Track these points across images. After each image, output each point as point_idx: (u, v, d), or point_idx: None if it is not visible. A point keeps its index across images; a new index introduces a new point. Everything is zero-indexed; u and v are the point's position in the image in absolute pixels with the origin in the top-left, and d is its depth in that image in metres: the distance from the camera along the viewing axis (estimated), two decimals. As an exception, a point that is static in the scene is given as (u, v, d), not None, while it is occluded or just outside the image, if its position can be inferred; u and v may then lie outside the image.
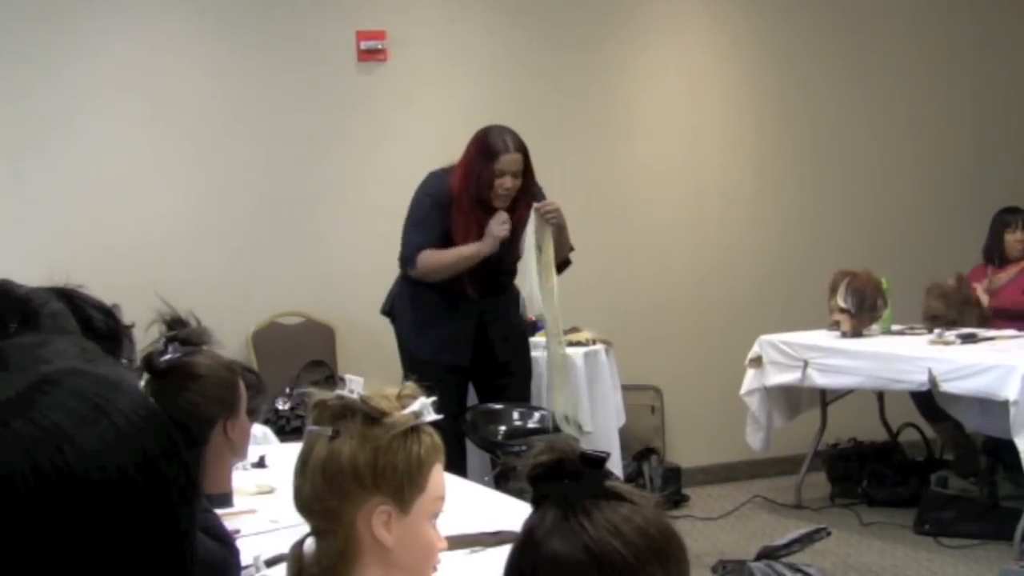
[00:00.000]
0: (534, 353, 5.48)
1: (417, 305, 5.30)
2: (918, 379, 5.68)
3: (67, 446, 0.96)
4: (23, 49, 5.93)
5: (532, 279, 5.14)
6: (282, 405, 5.89)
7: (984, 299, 6.52)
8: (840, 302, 6.28)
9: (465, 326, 5.24)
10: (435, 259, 5.19)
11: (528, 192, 5.17)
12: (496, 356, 5.27)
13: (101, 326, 1.90)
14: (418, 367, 4.89)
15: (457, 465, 4.88)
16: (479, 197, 5.13)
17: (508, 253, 5.19)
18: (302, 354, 6.21)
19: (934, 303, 6.39)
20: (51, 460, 0.95)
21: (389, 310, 5.46)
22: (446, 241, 5.18)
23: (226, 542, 2.36)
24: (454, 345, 5.23)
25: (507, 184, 5.09)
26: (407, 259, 5.26)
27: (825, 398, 6.59)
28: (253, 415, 2.93)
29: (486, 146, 5.12)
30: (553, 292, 5.19)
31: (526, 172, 5.16)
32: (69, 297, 1.91)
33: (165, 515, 1.01)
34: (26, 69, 5.94)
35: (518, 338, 5.40)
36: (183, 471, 1.03)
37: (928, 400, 6.04)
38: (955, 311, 6.33)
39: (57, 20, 5.97)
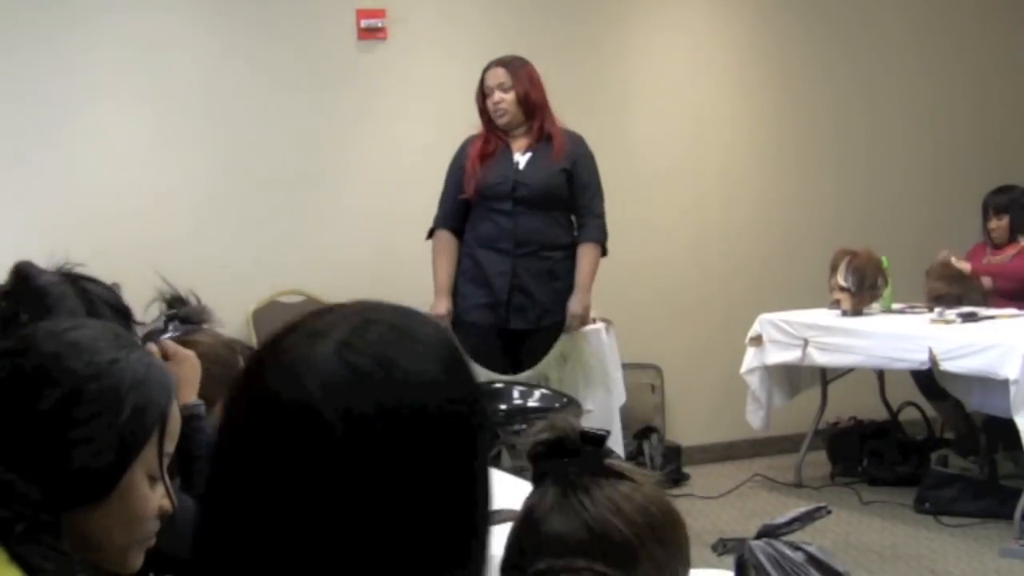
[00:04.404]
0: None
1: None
2: (918, 358, 5.68)
3: (401, 376, 1.01)
4: (22, 27, 5.91)
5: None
6: (283, 384, 5.88)
7: (986, 282, 6.52)
8: (841, 281, 6.28)
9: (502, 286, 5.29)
10: (435, 251, 5.43)
11: (541, 108, 5.30)
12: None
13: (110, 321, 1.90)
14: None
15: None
16: (489, 120, 5.33)
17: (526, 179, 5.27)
18: (303, 333, 6.19)
19: (936, 284, 6.38)
20: (391, 392, 1.00)
21: None
22: (465, 202, 5.34)
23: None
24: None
25: (495, 99, 5.29)
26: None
27: (825, 377, 6.59)
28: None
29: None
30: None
31: (530, 87, 5.28)
32: (85, 293, 1.90)
33: (471, 442, 1.05)
34: (25, 48, 5.92)
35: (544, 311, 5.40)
36: (480, 396, 1.09)
37: (929, 379, 6.04)
38: (957, 288, 6.33)
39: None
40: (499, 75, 5.29)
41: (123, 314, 1.96)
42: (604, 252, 5.41)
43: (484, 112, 5.34)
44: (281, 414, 0.99)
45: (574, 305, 5.31)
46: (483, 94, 5.34)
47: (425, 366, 1.03)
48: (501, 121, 5.29)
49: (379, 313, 1.08)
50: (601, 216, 5.38)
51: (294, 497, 0.97)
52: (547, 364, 5.29)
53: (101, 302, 1.93)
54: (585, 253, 5.36)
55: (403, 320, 1.07)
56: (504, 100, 5.26)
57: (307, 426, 0.97)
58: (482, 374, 5.20)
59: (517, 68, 5.30)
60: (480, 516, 1.05)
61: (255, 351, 1.08)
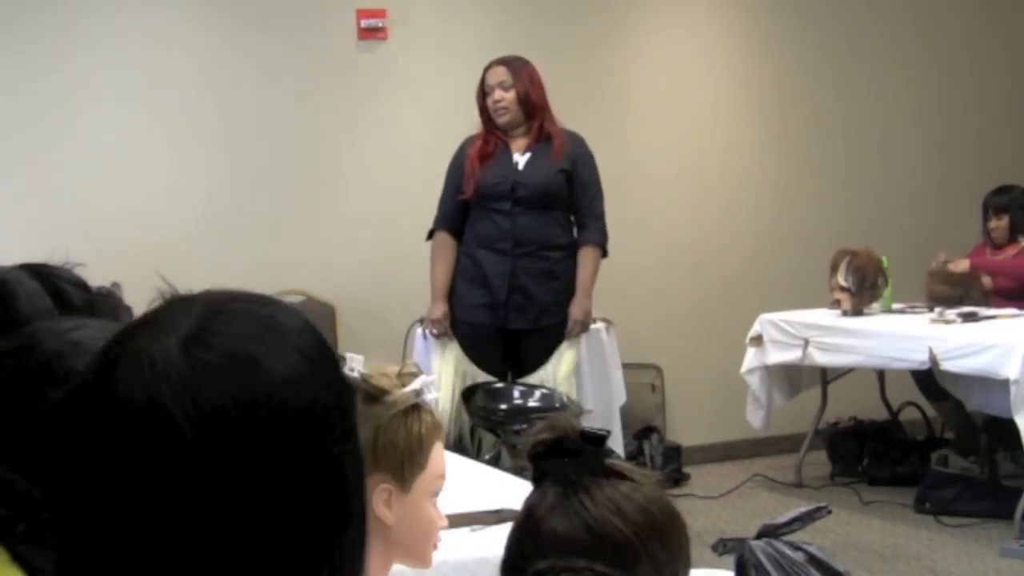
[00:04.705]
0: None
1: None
2: (919, 358, 5.68)
3: (256, 370, 0.96)
4: (24, 26, 5.91)
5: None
6: (283, 383, 5.87)
7: (987, 282, 6.52)
8: (841, 280, 6.27)
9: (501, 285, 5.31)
10: (433, 253, 5.41)
11: (541, 108, 5.28)
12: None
13: (77, 301, 1.90)
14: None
15: None
16: (488, 120, 5.32)
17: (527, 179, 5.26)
18: (303, 333, 6.18)
19: (939, 287, 6.38)
20: (246, 388, 0.95)
21: None
22: (464, 202, 5.33)
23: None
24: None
25: (495, 97, 5.28)
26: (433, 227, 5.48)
27: (826, 377, 6.59)
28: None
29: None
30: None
31: (531, 86, 5.28)
32: (41, 275, 1.90)
33: (334, 433, 1.00)
34: (27, 48, 5.92)
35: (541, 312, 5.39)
36: (346, 392, 1.03)
37: (929, 379, 6.04)
38: (959, 290, 6.33)
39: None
40: (500, 73, 5.29)
41: (84, 288, 1.95)
42: (604, 253, 5.40)
43: (484, 111, 5.33)
44: (128, 415, 0.93)
45: (575, 311, 5.29)
46: (483, 93, 5.33)
47: (283, 359, 0.97)
48: (501, 120, 5.28)
49: (232, 303, 1.02)
50: (601, 217, 5.36)
51: (146, 503, 0.92)
52: (551, 371, 5.28)
53: (61, 280, 1.93)
54: (586, 257, 5.32)
55: (259, 309, 1.01)
56: (504, 99, 5.26)
57: (155, 427, 0.92)
58: (482, 375, 5.22)
59: (518, 67, 5.30)
60: (354, 505, 1.00)
61: (104, 346, 1.00)
